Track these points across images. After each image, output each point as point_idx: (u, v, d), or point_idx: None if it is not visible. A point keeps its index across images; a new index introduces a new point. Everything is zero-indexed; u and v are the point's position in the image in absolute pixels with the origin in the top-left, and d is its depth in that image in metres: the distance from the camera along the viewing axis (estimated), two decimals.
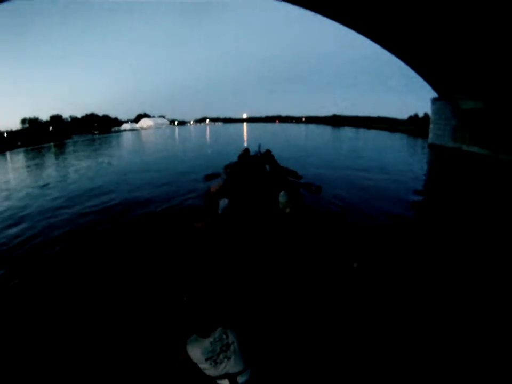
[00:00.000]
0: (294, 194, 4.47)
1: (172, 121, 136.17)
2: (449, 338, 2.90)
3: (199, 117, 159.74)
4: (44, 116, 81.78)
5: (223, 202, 4.51)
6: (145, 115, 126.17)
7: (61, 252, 5.49)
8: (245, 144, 21.26)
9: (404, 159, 16.07)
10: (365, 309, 3.17)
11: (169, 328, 2.74)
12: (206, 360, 1.78)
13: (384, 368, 2.48)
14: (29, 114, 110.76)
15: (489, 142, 15.61)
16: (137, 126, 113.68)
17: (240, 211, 4.27)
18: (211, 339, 1.77)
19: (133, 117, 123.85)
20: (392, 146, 23.00)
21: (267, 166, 7.08)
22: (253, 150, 9.65)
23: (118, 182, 12.00)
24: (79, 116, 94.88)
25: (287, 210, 4.05)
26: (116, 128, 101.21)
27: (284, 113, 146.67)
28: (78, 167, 17.18)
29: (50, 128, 74.84)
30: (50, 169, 17.96)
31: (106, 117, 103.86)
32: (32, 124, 73.73)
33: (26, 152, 37.44)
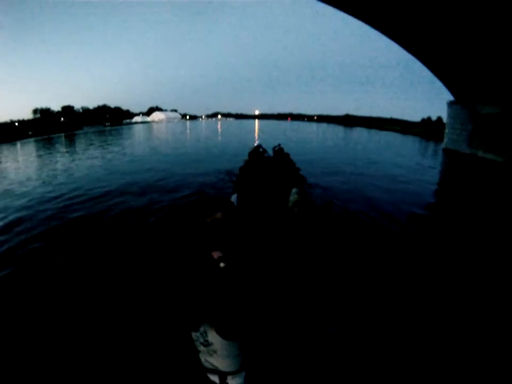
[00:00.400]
0: (305, 192, 4.44)
1: (184, 116, 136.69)
2: (448, 338, 2.92)
3: (211, 112, 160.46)
4: (56, 107, 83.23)
5: (233, 197, 4.52)
6: (157, 108, 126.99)
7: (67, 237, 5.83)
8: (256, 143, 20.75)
9: (418, 165, 15.07)
10: (367, 310, 3.19)
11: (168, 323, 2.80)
12: (194, 342, 1.79)
13: (383, 368, 2.48)
14: (41, 104, 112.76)
15: (506, 149, 14.75)
16: (148, 119, 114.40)
17: (248, 208, 4.28)
18: (197, 332, 1.75)
19: (145, 109, 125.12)
20: (406, 150, 21.70)
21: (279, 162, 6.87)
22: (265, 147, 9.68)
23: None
24: (91, 107, 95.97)
25: (296, 209, 4.05)
26: (128, 121, 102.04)
27: (296, 111, 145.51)
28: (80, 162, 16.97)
29: (62, 118, 75.77)
30: (53, 160, 17.83)
31: (118, 109, 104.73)
32: (43, 114, 74.90)
33: (36, 142, 37.76)
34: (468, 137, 17.89)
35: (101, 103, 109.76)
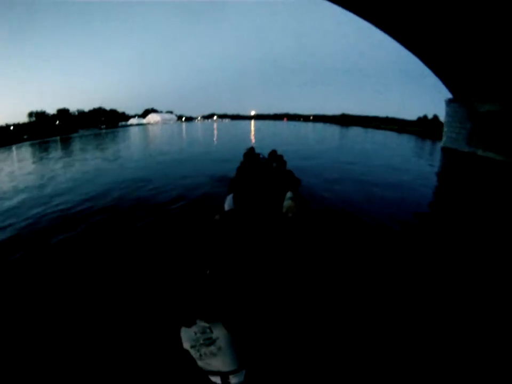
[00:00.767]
0: (300, 196, 4.41)
1: (180, 117, 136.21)
2: (449, 338, 2.91)
3: (206, 113, 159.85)
4: (51, 110, 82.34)
5: (229, 198, 4.52)
6: (153, 110, 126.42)
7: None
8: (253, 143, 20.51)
9: (417, 165, 14.93)
10: (364, 311, 3.18)
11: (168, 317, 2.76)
12: (191, 347, 1.74)
13: (383, 366, 2.48)
14: (36, 107, 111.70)
15: (506, 147, 14.76)
16: (144, 121, 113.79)
17: (245, 208, 4.25)
18: (195, 329, 1.71)
19: (140, 112, 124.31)
20: (403, 150, 21.44)
21: (274, 164, 6.79)
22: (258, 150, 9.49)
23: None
24: (86, 110, 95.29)
25: (290, 214, 4.03)
26: (123, 123, 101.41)
27: (292, 111, 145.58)
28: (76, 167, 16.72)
29: (57, 122, 75.14)
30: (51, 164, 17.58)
31: (113, 112, 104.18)
32: (39, 118, 74.18)
33: (32, 146, 37.44)
34: (467, 136, 17.94)
35: (96, 105, 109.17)
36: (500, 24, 10.97)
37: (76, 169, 15.44)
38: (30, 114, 74.45)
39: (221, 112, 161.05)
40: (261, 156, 9.58)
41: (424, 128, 46.52)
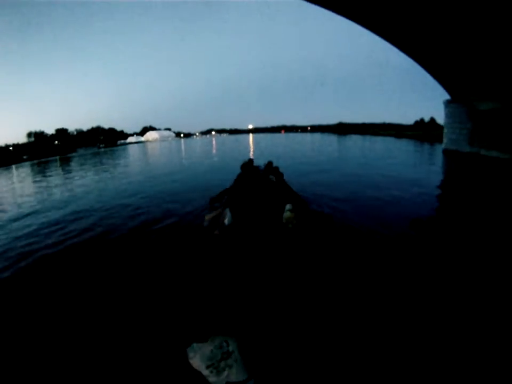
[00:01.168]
0: (299, 208, 4.40)
1: (178, 134, 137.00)
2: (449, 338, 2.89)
3: (204, 128, 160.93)
4: (50, 130, 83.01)
5: (227, 212, 4.44)
6: (151, 128, 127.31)
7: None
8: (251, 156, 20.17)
9: (420, 170, 14.37)
10: (366, 318, 3.14)
11: (172, 332, 2.64)
12: (207, 367, 1.75)
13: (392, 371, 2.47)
14: (35, 127, 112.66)
15: (510, 145, 14.49)
16: (142, 138, 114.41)
17: (243, 224, 4.23)
18: (211, 346, 1.74)
19: (139, 129, 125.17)
20: (404, 155, 20.93)
21: (272, 177, 6.70)
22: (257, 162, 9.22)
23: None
24: (84, 129, 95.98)
25: (290, 226, 4.01)
26: (122, 141, 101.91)
27: (289, 122, 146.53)
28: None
29: (56, 141, 75.57)
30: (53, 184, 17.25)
31: (112, 130, 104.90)
32: (37, 138, 74.71)
33: (31, 165, 37.45)
34: (468, 136, 17.69)
35: (95, 124, 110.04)
36: (498, 22, 10.89)
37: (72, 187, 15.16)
38: (29, 135, 75.03)
39: (219, 127, 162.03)
40: (260, 169, 9.43)
41: (422, 131, 46.55)
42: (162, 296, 3.52)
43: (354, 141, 44.17)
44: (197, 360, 1.75)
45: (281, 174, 7.12)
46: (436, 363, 2.60)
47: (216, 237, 3.54)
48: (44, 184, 17.22)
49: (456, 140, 18.80)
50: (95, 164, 28.87)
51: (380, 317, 3.18)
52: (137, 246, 5.75)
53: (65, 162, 37.89)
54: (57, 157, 50.10)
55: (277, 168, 7.89)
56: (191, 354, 1.78)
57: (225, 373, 1.74)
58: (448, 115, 19.71)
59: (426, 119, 61.09)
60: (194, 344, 1.78)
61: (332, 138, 53.87)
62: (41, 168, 30.59)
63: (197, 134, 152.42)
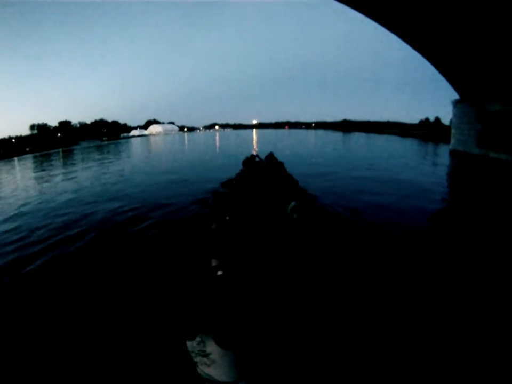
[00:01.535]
0: (304, 203, 4.30)
1: (181, 128, 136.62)
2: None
3: (208, 123, 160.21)
4: (53, 122, 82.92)
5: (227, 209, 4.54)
6: (155, 121, 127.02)
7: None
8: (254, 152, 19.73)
9: (430, 172, 13.81)
10: (366, 316, 3.12)
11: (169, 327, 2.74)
12: (191, 353, 1.78)
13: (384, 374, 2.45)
14: (38, 120, 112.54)
15: None
16: (146, 132, 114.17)
17: (239, 218, 4.18)
18: (193, 339, 1.73)
19: (142, 123, 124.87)
20: (411, 155, 20.15)
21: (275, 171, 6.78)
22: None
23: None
24: (88, 121, 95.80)
25: (295, 215, 3.95)
26: (125, 134, 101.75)
27: (293, 118, 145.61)
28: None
29: (59, 134, 75.51)
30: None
31: (115, 123, 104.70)
32: (40, 130, 74.65)
33: (34, 158, 37.43)
34: (476, 137, 17.17)
35: (98, 117, 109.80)
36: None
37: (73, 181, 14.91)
38: (32, 127, 75.13)
39: (223, 121, 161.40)
40: (262, 164, 9.19)
41: (427, 131, 45.99)
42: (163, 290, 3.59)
43: (360, 138, 43.68)
44: (186, 343, 1.77)
45: (282, 163, 6.94)
46: (437, 363, 2.59)
47: (212, 231, 3.44)
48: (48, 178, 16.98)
49: (464, 141, 18.29)
50: (96, 158, 28.62)
51: (380, 316, 3.16)
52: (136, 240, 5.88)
53: (67, 155, 37.75)
54: (60, 150, 50.04)
55: (282, 163, 7.76)
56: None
57: (208, 369, 1.72)
58: (456, 115, 19.18)
59: (431, 118, 60.23)
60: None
61: (336, 136, 53.34)
62: (42, 160, 30.50)
63: (201, 128, 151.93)
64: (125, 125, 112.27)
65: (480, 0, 10.53)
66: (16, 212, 9.11)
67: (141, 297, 3.67)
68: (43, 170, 21.71)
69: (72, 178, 15.84)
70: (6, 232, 7.11)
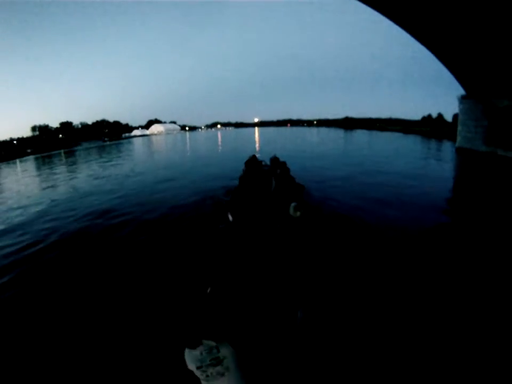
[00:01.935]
0: (305, 203, 4.25)
1: (183, 127, 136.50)
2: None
3: (210, 122, 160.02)
4: (54, 123, 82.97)
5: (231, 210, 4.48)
6: (156, 121, 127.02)
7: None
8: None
9: (439, 172, 13.15)
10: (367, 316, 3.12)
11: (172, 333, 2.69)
12: (197, 368, 1.69)
13: (382, 368, 2.48)
14: (39, 121, 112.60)
15: None
16: (147, 132, 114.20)
17: (243, 220, 4.12)
18: (201, 349, 1.67)
19: (144, 122, 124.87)
20: (417, 154, 19.27)
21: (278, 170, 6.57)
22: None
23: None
24: (89, 122, 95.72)
25: (298, 214, 3.93)
26: (127, 134, 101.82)
27: (295, 116, 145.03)
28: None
29: (60, 135, 75.53)
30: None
31: (117, 123, 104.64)
32: (42, 131, 74.69)
33: (36, 159, 37.43)
34: (484, 135, 16.73)
35: (99, 117, 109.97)
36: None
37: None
38: (33, 128, 75.15)
39: (224, 120, 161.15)
40: (263, 163, 9.05)
41: (430, 127, 45.48)
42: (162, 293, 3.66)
43: (362, 136, 43.16)
44: (188, 359, 1.68)
45: (288, 169, 6.85)
46: (437, 363, 2.59)
47: (219, 231, 3.44)
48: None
49: (471, 138, 17.84)
50: (98, 160, 28.44)
51: (381, 316, 3.16)
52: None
53: (69, 156, 37.65)
54: (61, 151, 50.02)
55: (284, 163, 7.59)
56: (186, 351, 1.71)
57: (218, 381, 1.66)
58: (462, 111, 18.70)
59: (434, 115, 59.58)
60: (187, 349, 1.71)
61: (339, 133, 52.85)
62: (44, 162, 30.39)
63: (202, 127, 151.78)
64: (127, 125, 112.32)
65: None
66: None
67: (144, 302, 3.68)
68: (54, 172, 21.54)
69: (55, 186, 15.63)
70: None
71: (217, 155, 25.81)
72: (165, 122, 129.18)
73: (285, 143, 29.78)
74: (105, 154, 34.25)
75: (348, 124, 79.07)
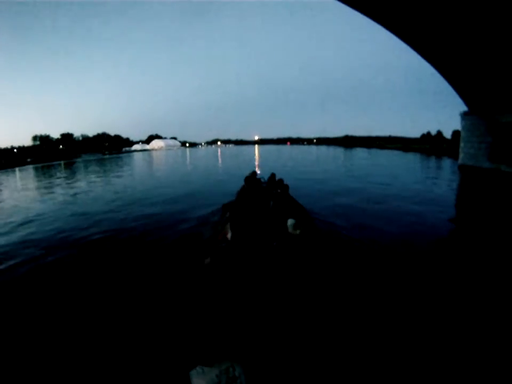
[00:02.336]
0: (303, 220, 4.20)
1: (183, 143, 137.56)
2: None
3: (210, 139, 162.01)
4: (55, 134, 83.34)
5: (229, 230, 4.36)
6: (157, 136, 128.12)
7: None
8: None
9: (444, 193, 11.76)
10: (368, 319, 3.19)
11: (174, 356, 2.40)
12: None
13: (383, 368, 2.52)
14: (40, 131, 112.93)
15: None
16: (148, 147, 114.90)
17: (241, 240, 4.09)
18: (217, 371, 1.67)
19: (144, 137, 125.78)
20: (420, 173, 18.20)
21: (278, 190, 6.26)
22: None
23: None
24: (90, 135, 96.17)
25: (297, 232, 3.87)
26: (127, 148, 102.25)
27: (295, 134, 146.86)
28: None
29: (61, 146, 75.61)
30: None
31: (117, 137, 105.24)
32: (43, 141, 74.79)
33: (35, 169, 37.12)
34: (487, 151, 16.69)
35: (100, 130, 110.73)
36: None
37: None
38: (34, 138, 75.37)
39: (225, 137, 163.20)
40: (262, 181, 8.87)
41: (430, 145, 45.94)
42: (164, 305, 3.47)
43: (363, 155, 43.04)
44: (200, 382, 1.66)
45: (286, 186, 6.60)
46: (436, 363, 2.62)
47: (207, 266, 3.24)
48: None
49: (474, 154, 17.80)
50: (99, 172, 28.22)
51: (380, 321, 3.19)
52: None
53: (68, 168, 37.44)
54: (62, 162, 49.94)
55: (281, 180, 7.37)
56: (194, 378, 1.68)
57: None
58: (465, 128, 18.74)
59: (433, 132, 60.47)
60: (198, 368, 1.68)
61: (339, 152, 53.00)
62: (39, 173, 30.10)
63: (203, 143, 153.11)
64: (127, 139, 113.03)
65: (494, 10, 10.33)
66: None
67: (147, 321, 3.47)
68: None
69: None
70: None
71: (216, 172, 25.59)
72: (165, 138, 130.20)
73: (286, 162, 29.42)
74: (101, 168, 34.00)
75: (348, 142, 79.88)
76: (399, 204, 9.38)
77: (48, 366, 2.93)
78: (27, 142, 76.56)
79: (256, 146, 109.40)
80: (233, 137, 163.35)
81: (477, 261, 5.11)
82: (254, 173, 8.66)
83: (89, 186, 16.15)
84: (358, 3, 12.79)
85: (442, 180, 14.80)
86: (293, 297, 3.01)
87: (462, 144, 19.21)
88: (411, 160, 29.92)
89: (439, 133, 58.27)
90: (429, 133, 61.44)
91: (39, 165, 44.24)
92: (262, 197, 6.55)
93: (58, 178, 22.52)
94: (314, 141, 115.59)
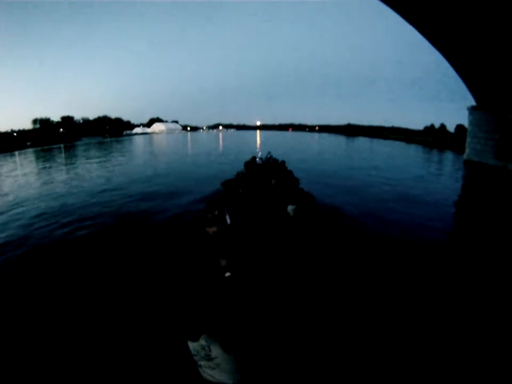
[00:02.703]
0: (306, 206, 4.09)
1: (185, 127, 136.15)
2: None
3: (212, 123, 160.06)
4: (56, 117, 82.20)
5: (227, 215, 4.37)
6: (158, 119, 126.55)
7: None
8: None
9: (452, 189, 11.76)
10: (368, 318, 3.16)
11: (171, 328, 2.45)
12: (194, 356, 1.79)
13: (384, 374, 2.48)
14: (41, 114, 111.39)
15: None
16: (149, 130, 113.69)
17: (239, 223, 4.11)
18: (200, 342, 1.73)
19: (145, 121, 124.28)
20: (424, 167, 18.08)
21: (273, 181, 6.31)
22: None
23: None
24: (91, 117, 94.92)
25: (299, 216, 3.89)
26: (128, 132, 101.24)
27: (297, 121, 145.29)
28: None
29: (61, 129, 74.84)
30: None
31: (118, 120, 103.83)
32: (43, 125, 73.90)
33: (35, 152, 36.84)
34: (494, 148, 16.40)
35: (101, 113, 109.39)
36: None
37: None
38: (34, 121, 74.31)
39: (226, 122, 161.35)
40: (260, 162, 9.11)
41: (433, 137, 45.51)
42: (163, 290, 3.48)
43: (365, 144, 42.76)
44: (190, 347, 1.77)
45: (290, 172, 6.47)
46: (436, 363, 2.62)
47: (214, 234, 3.38)
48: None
49: (481, 150, 17.51)
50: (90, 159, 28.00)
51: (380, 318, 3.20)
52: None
53: (68, 151, 37.18)
54: (62, 145, 49.50)
55: (283, 162, 7.24)
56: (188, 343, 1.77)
57: (213, 372, 1.74)
58: (472, 123, 18.36)
59: (436, 125, 59.72)
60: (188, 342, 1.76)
61: (342, 140, 52.49)
62: (39, 156, 29.86)
63: (204, 128, 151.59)
64: (128, 122, 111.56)
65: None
66: None
67: (145, 295, 3.65)
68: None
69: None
70: None
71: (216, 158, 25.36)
72: (166, 121, 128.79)
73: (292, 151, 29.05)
74: (101, 152, 33.81)
75: (350, 130, 78.98)
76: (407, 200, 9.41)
77: (44, 343, 3.02)
78: (27, 125, 75.91)
79: (258, 131, 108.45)
80: (235, 122, 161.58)
81: (478, 261, 5.12)
82: (254, 158, 8.67)
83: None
84: None
85: (447, 177, 14.57)
86: (289, 289, 2.97)
87: (468, 139, 18.87)
88: (415, 152, 29.68)
89: (443, 126, 57.51)
90: (432, 126, 60.61)
91: (39, 148, 43.95)
92: (261, 182, 6.55)
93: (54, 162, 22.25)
94: (317, 128, 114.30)
